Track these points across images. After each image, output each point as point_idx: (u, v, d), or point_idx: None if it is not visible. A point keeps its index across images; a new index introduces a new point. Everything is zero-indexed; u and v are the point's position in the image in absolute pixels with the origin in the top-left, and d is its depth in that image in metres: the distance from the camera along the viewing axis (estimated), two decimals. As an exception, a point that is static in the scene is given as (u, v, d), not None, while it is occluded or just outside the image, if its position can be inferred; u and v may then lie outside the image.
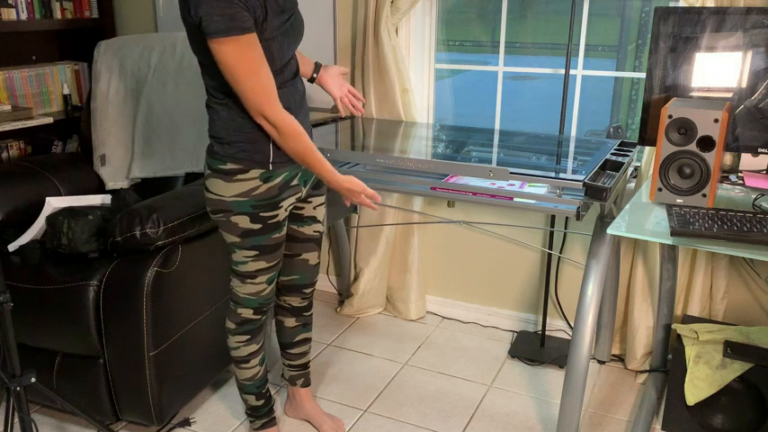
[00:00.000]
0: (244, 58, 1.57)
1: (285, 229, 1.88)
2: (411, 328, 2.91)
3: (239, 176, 1.74)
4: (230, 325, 1.97)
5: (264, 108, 1.64)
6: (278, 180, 1.79)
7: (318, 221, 2.03)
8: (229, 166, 1.74)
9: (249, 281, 1.88)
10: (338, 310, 3.05)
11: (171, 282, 2.03)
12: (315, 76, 2.13)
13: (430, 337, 2.82)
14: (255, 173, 1.75)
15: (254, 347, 2.00)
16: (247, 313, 1.94)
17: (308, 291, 2.10)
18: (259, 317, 1.97)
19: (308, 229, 2.02)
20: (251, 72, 1.59)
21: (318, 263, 2.09)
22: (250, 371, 2.03)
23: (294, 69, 1.80)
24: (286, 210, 1.85)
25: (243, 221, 1.79)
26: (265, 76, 1.62)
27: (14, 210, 2.40)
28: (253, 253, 1.83)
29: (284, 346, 2.18)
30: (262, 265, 1.86)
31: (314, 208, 2.00)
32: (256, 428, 2.14)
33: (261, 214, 1.79)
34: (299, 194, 1.90)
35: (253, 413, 2.12)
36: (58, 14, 3.03)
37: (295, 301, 2.11)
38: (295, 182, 1.86)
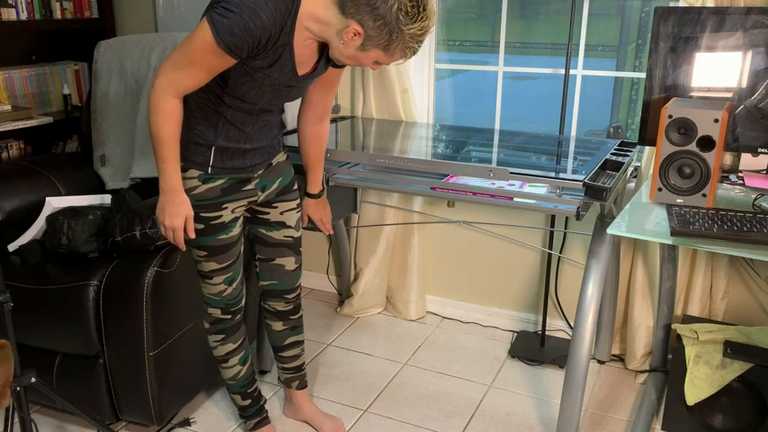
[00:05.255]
0: (201, 51, 1.53)
1: (235, 231, 1.86)
2: (411, 328, 2.91)
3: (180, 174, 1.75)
4: (205, 324, 1.99)
5: (162, 81, 1.59)
6: (220, 182, 1.78)
7: (289, 227, 2.00)
8: None
9: (207, 281, 1.89)
10: (338, 310, 3.05)
11: (171, 282, 2.03)
12: (312, 197, 2.11)
13: (430, 337, 2.82)
14: (194, 173, 1.75)
15: (230, 347, 2.00)
16: (216, 313, 1.95)
17: (290, 296, 2.08)
18: (229, 317, 1.96)
19: (278, 234, 1.99)
20: (191, 60, 1.55)
21: (297, 268, 2.07)
22: (231, 370, 2.04)
23: (273, 109, 1.79)
24: (233, 212, 1.84)
25: None
26: (192, 76, 1.58)
27: (14, 210, 2.40)
28: (202, 253, 1.84)
29: (276, 349, 2.18)
30: (213, 265, 1.86)
31: (281, 213, 1.98)
32: (249, 429, 2.14)
33: (201, 214, 1.78)
34: (254, 198, 1.88)
35: (242, 413, 2.14)
36: (58, 14, 3.03)
37: (279, 306, 2.09)
38: (250, 186, 1.85)
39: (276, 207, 1.97)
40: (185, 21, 3.09)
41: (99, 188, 2.68)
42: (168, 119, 1.62)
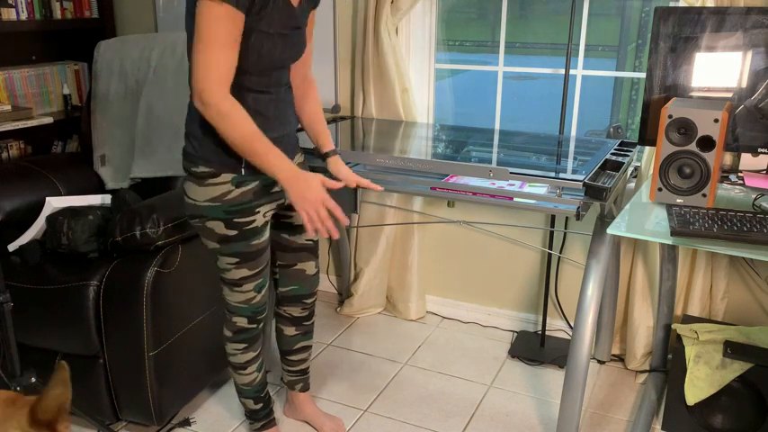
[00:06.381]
0: (214, 26, 1.50)
1: (266, 235, 1.84)
2: (411, 328, 2.91)
3: (211, 180, 1.70)
4: (227, 333, 1.95)
5: (202, 85, 1.54)
6: (253, 185, 1.75)
7: None
8: (201, 168, 1.70)
9: (236, 289, 1.85)
10: (338, 310, 3.05)
11: (171, 282, 2.03)
12: (328, 155, 1.97)
13: (430, 337, 2.82)
14: (227, 177, 1.70)
15: (251, 355, 1.98)
16: (242, 322, 1.92)
17: (308, 301, 2.07)
18: (254, 325, 1.94)
19: (300, 239, 1.98)
20: (211, 45, 1.52)
21: (317, 272, 2.06)
22: (248, 377, 2.02)
23: (285, 81, 1.77)
24: (265, 216, 1.81)
25: (218, 227, 1.75)
26: (223, 58, 1.54)
27: (14, 210, 2.40)
28: (234, 260, 1.80)
29: (284, 353, 2.17)
30: (245, 272, 1.82)
31: None
32: (255, 430, 2.14)
33: (235, 220, 1.74)
34: (281, 201, 1.86)
35: (251, 416, 2.12)
36: (58, 14, 3.03)
37: (295, 311, 2.08)
38: (277, 188, 1.81)
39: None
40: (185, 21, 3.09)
41: (99, 188, 2.68)
42: (236, 116, 1.57)
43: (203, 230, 1.78)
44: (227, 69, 1.56)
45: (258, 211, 1.78)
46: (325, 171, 2.29)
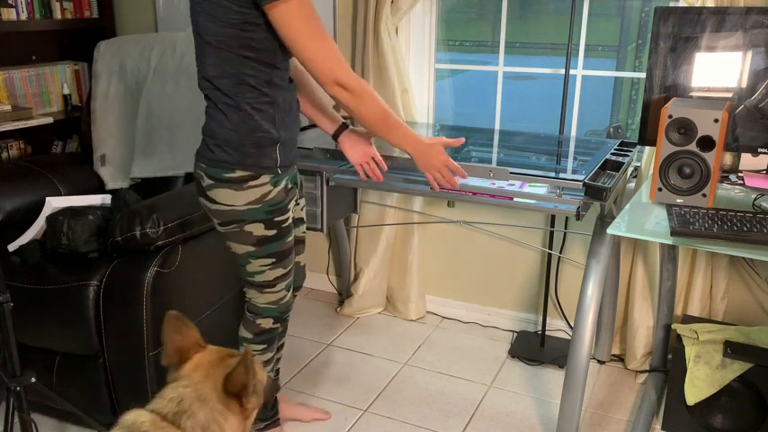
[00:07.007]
0: (312, 20, 1.54)
1: (293, 232, 1.86)
2: (411, 328, 2.91)
3: (251, 183, 1.69)
4: (246, 335, 1.93)
5: (337, 72, 1.58)
6: (284, 183, 1.76)
7: (304, 222, 2.02)
8: (239, 173, 1.67)
9: (268, 290, 1.85)
10: (338, 310, 3.05)
11: (171, 282, 2.03)
12: (338, 134, 1.95)
13: (430, 337, 2.82)
14: (266, 178, 1.70)
15: (269, 355, 1.98)
16: (267, 323, 1.91)
17: (297, 293, 2.08)
18: (278, 325, 1.94)
19: (299, 231, 2.00)
20: (320, 35, 1.56)
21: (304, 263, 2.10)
22: None
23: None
24: (292, 212, 1.84)
25: (257, 229, 1.74)
26: (335, 45, 1.59)
27: (14, 210, 2.40)
28: (270, 261, 1.79)
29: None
30: (279, 272, 1.82)
31: (301, 209, 2.00)
32: (259, 430, 2.13)
33: (275, 219, 1.75)
34: (296, 197, 1.89)
35: (259, 417, 2.11)
36: (58, 14, 3.03)
37: None
38: (290, 184, 1.83)
39: (298, 204, 1.98)
40: (185, 21, 3.09)
41: (99, 188, 2.68)
42: (374, 93, 1.64)
43: (239, 235, 1.75)
44: (338, 49, 1.61)
45: (289, 208, 1.80)
46: (333, 155, 2.29)
